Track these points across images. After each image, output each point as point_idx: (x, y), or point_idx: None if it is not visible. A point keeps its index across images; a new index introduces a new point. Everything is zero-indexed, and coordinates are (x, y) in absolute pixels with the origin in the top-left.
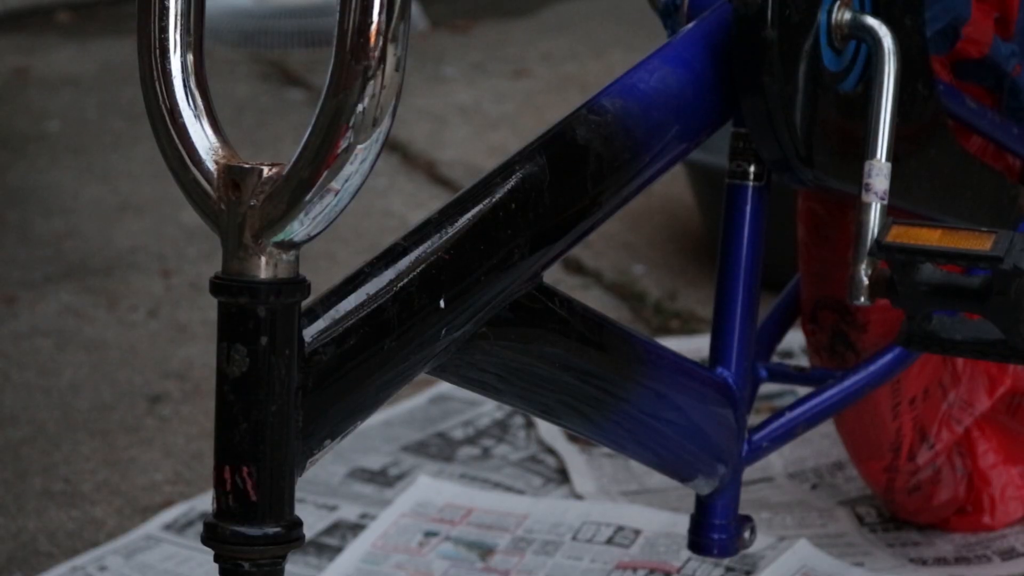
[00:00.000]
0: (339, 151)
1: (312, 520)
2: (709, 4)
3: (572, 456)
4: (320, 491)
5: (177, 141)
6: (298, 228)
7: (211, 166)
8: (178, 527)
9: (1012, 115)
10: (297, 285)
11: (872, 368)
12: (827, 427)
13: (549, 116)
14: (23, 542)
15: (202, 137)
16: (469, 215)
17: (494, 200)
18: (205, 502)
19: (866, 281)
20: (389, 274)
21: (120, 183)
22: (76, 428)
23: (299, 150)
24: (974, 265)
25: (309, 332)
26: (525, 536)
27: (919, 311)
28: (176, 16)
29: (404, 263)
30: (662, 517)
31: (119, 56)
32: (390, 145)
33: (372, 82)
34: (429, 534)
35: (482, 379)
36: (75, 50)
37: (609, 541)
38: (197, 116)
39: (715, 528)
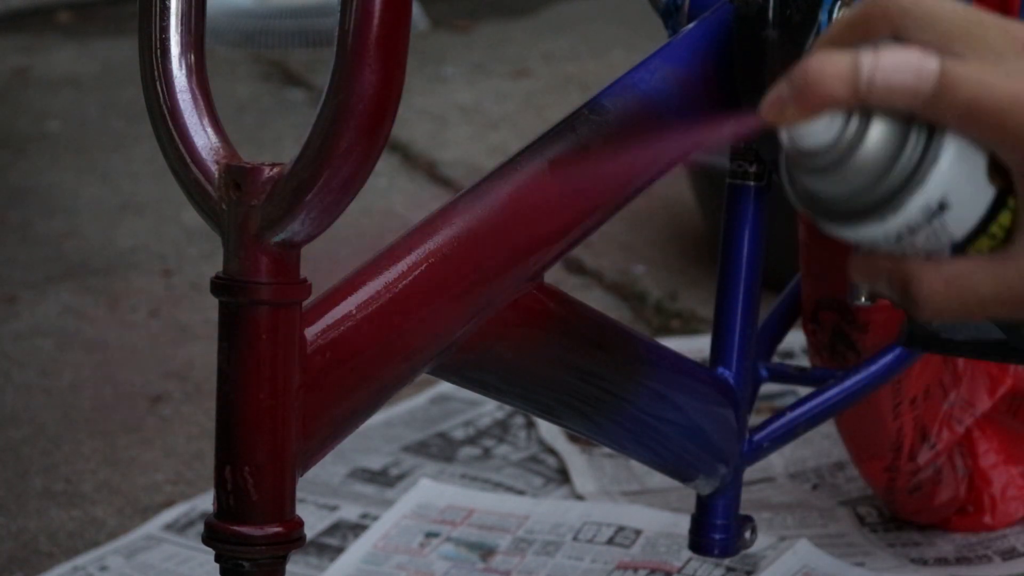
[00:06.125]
0: (340, 151)
1: (313, 520)
2: (710, 4)
3: (573, 456)
4: (321, 491)
5: (178, 141)
6: (299, 228)
7: (212, 166)
8: (179, 527)
9: None
10: (298, 285)
11: (873, 368)
12: (828, 427)
13: (550, 116)
14: (24, 542)
15: (203, 137)
16: (469, 215)
17: (494, 200)
18: (206, 502)
19: None
20: (389, 274)
21: (121, 183)
22: (77, 428)
23: (300, 150)
24: None
25: (310, 332)
26: (526, 537)
27: None
28: (177, 16)
29: (404, 263)
30: (663, 517)
31: (119, 56)
32: (391, 145)
33: (373, 82)
34: (430, 535)
35: (483, 379)
36: (75, 50)
37: (610, 541)
38: (198, 116)
39: (716, 528)
